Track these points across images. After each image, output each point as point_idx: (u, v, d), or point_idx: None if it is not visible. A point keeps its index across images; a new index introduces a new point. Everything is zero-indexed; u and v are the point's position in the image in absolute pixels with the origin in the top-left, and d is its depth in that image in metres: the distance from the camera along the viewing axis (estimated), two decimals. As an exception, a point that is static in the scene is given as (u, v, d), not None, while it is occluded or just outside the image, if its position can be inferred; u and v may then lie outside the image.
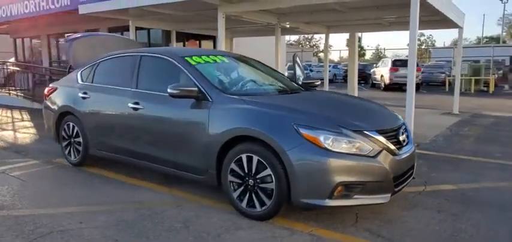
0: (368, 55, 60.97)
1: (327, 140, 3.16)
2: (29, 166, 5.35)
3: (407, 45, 7.20)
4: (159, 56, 4.53)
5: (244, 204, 3.51)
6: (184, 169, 4.01)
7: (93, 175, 4.89)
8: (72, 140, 5.21)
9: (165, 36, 13.41)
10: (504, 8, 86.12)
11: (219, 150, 3.61)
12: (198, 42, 14.85)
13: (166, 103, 4.12)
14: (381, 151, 3.26)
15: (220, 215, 3.59)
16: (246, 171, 3.45)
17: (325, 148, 3.14)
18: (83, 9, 10.38)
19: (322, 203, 3.17)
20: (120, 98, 4.59)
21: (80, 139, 5.09)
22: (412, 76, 6.65)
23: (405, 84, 7.17)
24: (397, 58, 23.71)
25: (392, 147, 3.38)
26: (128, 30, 11.84)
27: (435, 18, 9.64)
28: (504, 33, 65.03)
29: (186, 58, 4.28)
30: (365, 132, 3.31)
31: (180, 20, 12.24)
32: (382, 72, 21.60)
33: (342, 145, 3.18)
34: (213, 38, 15.30)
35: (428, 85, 23.34)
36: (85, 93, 5.01)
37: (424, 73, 23.40)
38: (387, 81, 20.72)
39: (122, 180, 4.68)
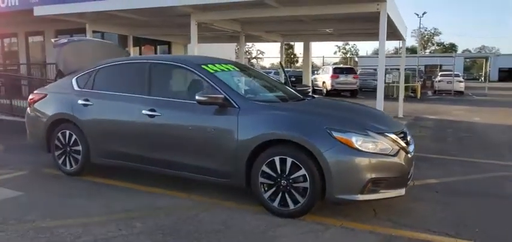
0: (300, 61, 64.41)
1: (358, 141, 3.56)
2: (18, 178, 5.07)
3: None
4: (176, 64, 4.62)
5: (276, 204, 3.77)
6: (207, 174, 4.15)
7: (97, 184, 4.79)
8: (69, 149, 5.03)
9: (121, 41, 13.05)
10: (420, 21, 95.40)
11: (250, 154, 3.84)
12: (153, 47, 14.65)
13: (187, 110, 4.24)
14: (399, 150, 3.73)
15: (252, 215, 3.81)
16: (279, 172, 3.71)
17: (357, 149, 3.54)
18: (39, 11, 9.82)
19: (355, 198, 3.56)
20: (131, 105, 4.58)
21: (79, 148, 4.94)
22: (381, 83, 7.39)
23: (344, 90, 7.93)
24: (337, 66, 25.24)
25: (405, 146, 3.88)
26: (80, 32, 11.45)
27: (388, 31, 10.65)
28: (417, 44, 72.29)
29: (203, 66, 4.43)
30: (385, 133, 3.76)
31: (138, 25, 12.05)
32: (324, 79, 22.85)
33: (369, 146, 3.59)
34: (168, 44, 15.19)
35: (362, 91, 25.13)
36: (86, 100, 4.89)
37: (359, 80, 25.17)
38: (329, 87, 21.97)
39: (131, 188, 4.65)
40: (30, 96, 5.57)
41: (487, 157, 6.59)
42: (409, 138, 4.19)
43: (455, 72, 25.79)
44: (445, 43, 79.43)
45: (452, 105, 16.72)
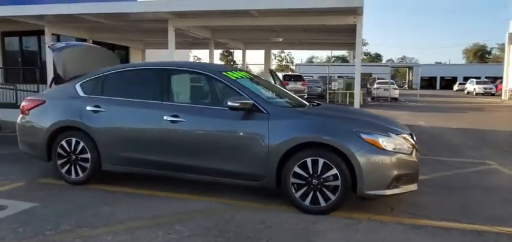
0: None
1: (383, 142, 3.96)
2: (18, 189, 4.79)
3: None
4: (198, 70, 4.70)
5: (307, 202, 4.04)
6: (237, 177, 4.30)
7: (109, 192, 4.68)
8: (75, 157, 4.86)
9: (80, 45, 12.46)
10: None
11: (281, 156, 4.07)
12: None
13: (214, 116, 4.37)
14: (413, 149, 4.21)
15: (283, 214, 4.02)
16: (311, 173, 3.99)
17: (383, 149, 3.94)
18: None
19: (383, 193, 3.95)
20: (150, 111, 4.57)
21: (87, 156, 4.80)
22: (357, 88, 8.00)
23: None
24: (286, 73, 26.14)
25: (415, 145, 4.37)
26: (28, 35, 10.84)
27: (349, 41, 11.44)
28: (346, 53, 77.36)
29: (224, 73, 4.58)
30: (402, 134, 4.22)
31: (98, 29, 11.67)
32: (274, 86, 23.54)
33: (392, 146, 4.01)
34: (126, 49, 14.78)
35: (308, 97, 26.29)
36: (97, 106, 4.77)
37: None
38: (279, 94, 22.68)
39: (150, 195, 4.62)
40: (24, 103, 5.27)
41: (451, 155, 7.44)
42: (414, 138, 4.69)
43: (390, 81, 28.01)
44: (371, 53, 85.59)
45: (394, 111, 18.14)
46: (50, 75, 10.06)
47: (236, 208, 4.18)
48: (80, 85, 5.01)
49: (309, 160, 3.99)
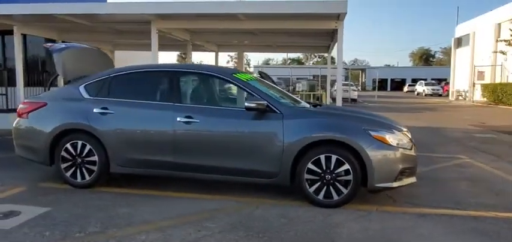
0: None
1: (390, 138, 4.31)
2: (22, 194, 4.65)
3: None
4: (210, 73, 4.80)
5: (321, 196, 4.30)
6: (252, 175, 4.47)
7: (121, 194, 4.67)
8: (81, 160, 4.79)
9: (48, 46, 11.96)
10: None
11: (296, 154, 4.30)
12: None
13: (228, 116, 4.52)
14: (412, 145, 4.60)
15: (300, 208, 4.25)
16: (324, 168, 4.26)
17: (390, 145, 4.28)
18: (-35, 10, 8.58)
19: (390, 185, 4.29)
20: (162, 113, 4.63)
21: (95, 158, 4.76)
22: (340, 90, 8.41)
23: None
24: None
25: (413, 141, 4.77)
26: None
27: (324, 44, 11.94)
28: (301, 56, 79.29)
29: (235, 75, 4.74)
30: (403, 131, 4.60)
31: (68, 30, 11.32)
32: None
33: (396, 141, 4.37)
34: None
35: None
36: (105, 108, 4.74)
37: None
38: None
39: (162, 195, 4.67)
40: (21, 106, 5.11)
41: (425, 151, 8.01)
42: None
43: (350, 83, 29.18)
44: (325, 56, 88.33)
45: (358, 111, 18.97)
46: (20, 77, 9.64)
47: (252, 205, 4.35)
48: (84, 87, 4.95)
49: (322, 157, 4.25)
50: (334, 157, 4.24)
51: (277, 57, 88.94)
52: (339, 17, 7.86)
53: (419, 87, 46.71)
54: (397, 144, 4.35)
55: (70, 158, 4.82)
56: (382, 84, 68.89)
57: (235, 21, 8.37)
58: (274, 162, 4.36)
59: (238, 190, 4.77)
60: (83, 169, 4.81)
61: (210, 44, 13.00)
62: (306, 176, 4.30)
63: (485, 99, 27.02)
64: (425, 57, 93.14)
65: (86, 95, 4.91)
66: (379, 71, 69.46)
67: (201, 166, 4.56)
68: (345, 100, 27.44)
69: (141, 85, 4.92)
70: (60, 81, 8.25)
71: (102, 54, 6.24)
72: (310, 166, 4.28)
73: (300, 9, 7.38)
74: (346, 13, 7.43)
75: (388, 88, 68.76)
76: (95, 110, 4.76)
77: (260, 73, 8.32)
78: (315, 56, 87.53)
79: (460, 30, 35.81)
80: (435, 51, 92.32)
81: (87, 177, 4.82)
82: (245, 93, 4.59)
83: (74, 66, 5.29)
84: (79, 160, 4.81)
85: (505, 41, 24.74)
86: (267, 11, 7.69)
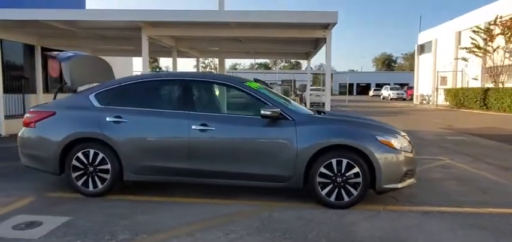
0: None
1: (395, 142, 4.64)
2: (32, 204, 4.61)
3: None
4: (223, 82, 4.97)
5: (332, 198, 4.56)
6: (266, 179, 4.67)
7: (135, 201, 4.73)
8: (93, 169, 4.81)
9: (27, 51, 11.61)
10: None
11: (310, 159, 4.54)
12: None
13: (243, 123, 4.71)
14: (412, 148, 4.96)
15: (314, 210, 4.48)
16: (336, 172, 4.53)
17: (395, 148, 4.62)
18: None
19: (396, 186, 4.62)
20: (178, 121, 4.73)
21: (108, 167, 4.79)
22: (328, 96, 8.76)
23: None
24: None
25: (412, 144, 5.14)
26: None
27: (305, 51, 12.31)
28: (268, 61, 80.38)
29: (246, 84, 4.93)
30: (404, 136, 4.95)
31: (49, 35, 11.08)
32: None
33: (400, 145, 4.71)
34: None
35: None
36: (118, 117, 4.79)
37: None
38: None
39: (174, 201, 4.77)
40: (28, 115, 5.05)
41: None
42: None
43: (321, 87, 29.92)
44: (292, 61, 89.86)
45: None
46: None
47: (266, 208, 4.54)
48: (95, 96, 4.98)
49: (334, 161, 4.52)
50: (344, 161, 4.51)
51: (244, 62, 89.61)
52: (328, 26, 8.22)
53: (385, 92, 48.56)
54: (400, 147, 4.69)
55: (81, 167, 4.83)
56: (348, 89, 70.93)
57: (227, 29, 8.54)
58: (288, 166, 4.58)
59: (246, 194, 4.95)
60: (95, 177, 4.83)
61: (193, 50, 13.07)
62: (319, 179, 4.55)
63: (448, 103, 28.54)
64: (387, 62, 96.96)
65: (96, 104, 4.94)
66: (345, 76, 71.66)
67: (215, 172, 4.71)
68: (317, 104, 28.27)
69: (154, 94, 5.00)
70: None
71: (102, 61, 6.23)
72: (323, 170, 4.53)
73: (295, 19, 7.68)
74: (336, 23, 7.79)
75: (354, 93, 70.88)
76: (108, 119, 4.80)
77: (255, 80, 8.52)
78: (282, 61, 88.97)
79: (422, 38, 37.59)
80: (396, 57, 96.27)
81: (100, 186, 4.84)
82: (256, 101, 4.78)
83: (79, 74, 5.31)
84: (91, 168, 4.82)
85: (466, 48, 26.27)
86: (263, 20, 7.93)
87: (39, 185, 5.33)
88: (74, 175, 4.85)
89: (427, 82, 34.83)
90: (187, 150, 4.70)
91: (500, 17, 23.45)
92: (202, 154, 4.69)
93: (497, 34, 23.69)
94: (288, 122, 4.63)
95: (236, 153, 4.66)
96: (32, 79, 11.58)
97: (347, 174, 4.52)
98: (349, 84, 71.40)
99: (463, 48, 27.20)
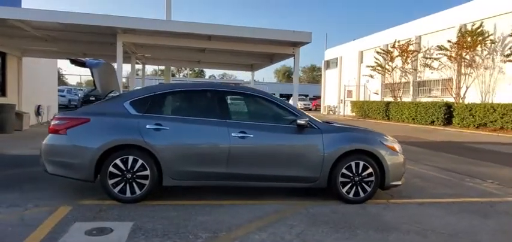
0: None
1: (397, 147, 5.66)
2: (77, 212, 4.52)
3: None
4: (255, 94, 5.47)
5: (351, 195, 5.38)
6: (295, 181, 5.29)
7: (177, 205, 4.93)
8: (131, 175, 4.89)
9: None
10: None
11: (334, 162, 5.31)
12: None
13: (278, 131, 5.29)
14: (401, 151, 6.05)
15: (339, 205, 5.24)
16: (354, 172, 5.37)
17: (397, 151, 5.64)
18: None
19: (398, 183, 5.62)
20: (218, 128, 5.09)
21: (147, 173, 4.93)
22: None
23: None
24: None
25: (400, 149, 6.23)
26: None
27: (251, 62, 13.08)
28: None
29: (273, 95, 5.52)
30: (396, 140, 6.02)
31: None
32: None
33: (399, 149, 5.75)
34: (3, 55, 12.70)
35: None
36: (158, 124, 4.96)
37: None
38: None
39: (214, 204, 5.10)
40: (57, 122, 4.91)
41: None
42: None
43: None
44: (195, 69, 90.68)
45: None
46: None
47: (299, 206, 5.16)
48: (130, 104, 5.06)
49: (353, 163, 5.36)
50: (361, 163, 5.37)
51: (148, 68, 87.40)
52: (297, 44, 9.13)
53: (291, 102, 51.80)
54: (399, 150, 5.74)
55: (119, 173, 4.87)
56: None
57: (201, 41, 8.91)
58: (316, 168, 5.28)
59: (269, 195, 5.50)
60: (134, 184, 4.91)
61: (146, 58, 12.90)
62: (341, 179, 5.34)
63: (354, 113, 31.99)
64: (287, 74, 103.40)
65: (133, 111, 5.03)
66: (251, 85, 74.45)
67: (252, 175, 5.18)
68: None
69: (191, 103, 5.28)
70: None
71: (112, 66, 6.18)
72: (344, 171, 5.34)
73: (275, 36, 8.40)
74: (309, 42, 8.74)
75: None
76: (148, 126, 4.93)
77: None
78: (186, 69, 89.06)
79: (328, 54, 41.39)
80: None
81: (138, 192, 4.93)
82: (283, 111, 5.41)
83: (106, 81, 5.31)
84: (129, 175, 4.89)
85: (371, 66, 29.84)
86: (246, 36, 8.48)
87: (65, 193, 5.15)
88: (111, 182, 4.86)
89: (333, 95, 38.44)
90: (227, 156, 5.08)
91: (398, 41, 27.33)
92: (242, 159, 5.12)
93: (396, 56, 27.53)
94: (314, 130, 5.33)
95: (272, 158, 5.20)
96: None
97: (363, 174, 5.38)
98: (256, 94, 74.78)
99: (369, 67, 30.77)
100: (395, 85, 28.00)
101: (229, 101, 5.33)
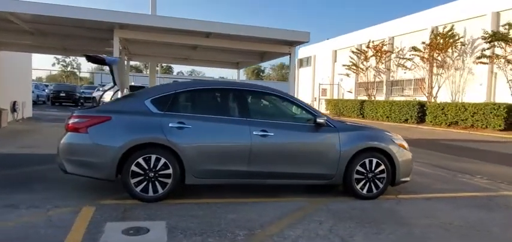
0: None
1: (405, 144, 5.91)
2: (103, 212, 4.43)
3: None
4: (274, 93, 5.54)
5: (365, 191, 5.58)
6: (313, 178, 5.43)
7: (202, 204, 4.93)
8: (153, 174, 4.85)
9: None
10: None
11: (349, 159, 5.48)
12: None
13: (297, 130, 5.41)
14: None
15: (354, 201, 5.42)
16: (368, 169, 5.56)
17: (406, 149, 5.89)
18: None
19: (407, 179, 5.88)
20: (240, 127, 5.13)
21: (169, 171, 4.90)
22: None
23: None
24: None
25: (404, 147, 6.50)
26: None
27: (237, 60, 13.11)
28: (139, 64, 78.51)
29: (292, 95, 5.63)
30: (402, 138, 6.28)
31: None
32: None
33: (407, 146, 6.00)
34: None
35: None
36: (181, 123, 4.94)
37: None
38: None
39: (238, 202, 5.14)
40: (76, 120, 4.80)
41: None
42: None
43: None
44: (163, 65, 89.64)
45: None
46: None
47: (318, 203, 5.28)
48: (151, 102, 5.00)
49: (367, 160, 5.55)
50: (374, 160, 5.58)
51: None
52: (294, 43, 9.27)
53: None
54: (407, 148, 5.99)
55: (141, 172, 4.81)
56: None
57: (203, 38, 8.87)
58: (333, 166, 5.43)
59: (285, 193, 5.61)
60: (156, 182, 4.87)
61: (133, 54, 12.62)
62: (355, 176, 5.52)
63: (328, 111, 32.63)
64: (256, 72, 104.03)
65: (154, 110, 4.98)
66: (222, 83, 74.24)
67: (272, 173, 5.25)
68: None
69: (212, 102, 5.28)
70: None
71: (123, 61, 6.06)
72: (358, 168, 5.52)
73: (274, 35, 8.49)
74: (307, 41, 8.90)
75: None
76: (170, 125, 4.90)
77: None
78: (157, 65, 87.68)
79: (302, 53, 41.95)
80: (265, 67, 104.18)
81: (160, 190, 4.89)
82: (301, 110, 5.52)
83: (122, 77, 5.22)
84: (151, 174, 4.84)
85: (346, 65, 30.53)
86: (248, 34, 8.51)
87: (74, 194, 5.04)
88: (133, 181, 4.80)
89: (307, 93, 39.01)
90: (249, 154, 5.13)
91: (373, 42, 28.15)
92: (263, 157, 5.19)
93: (371, 56, 28.34)
94: (331, 129, 5.48)
95: (292, 156, 5.30)
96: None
97: (376, 171, 5.59)
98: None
99: (344, 65, 31.47)
100: (369, 84, 28.83)
101: (252, 100, 5.38)
